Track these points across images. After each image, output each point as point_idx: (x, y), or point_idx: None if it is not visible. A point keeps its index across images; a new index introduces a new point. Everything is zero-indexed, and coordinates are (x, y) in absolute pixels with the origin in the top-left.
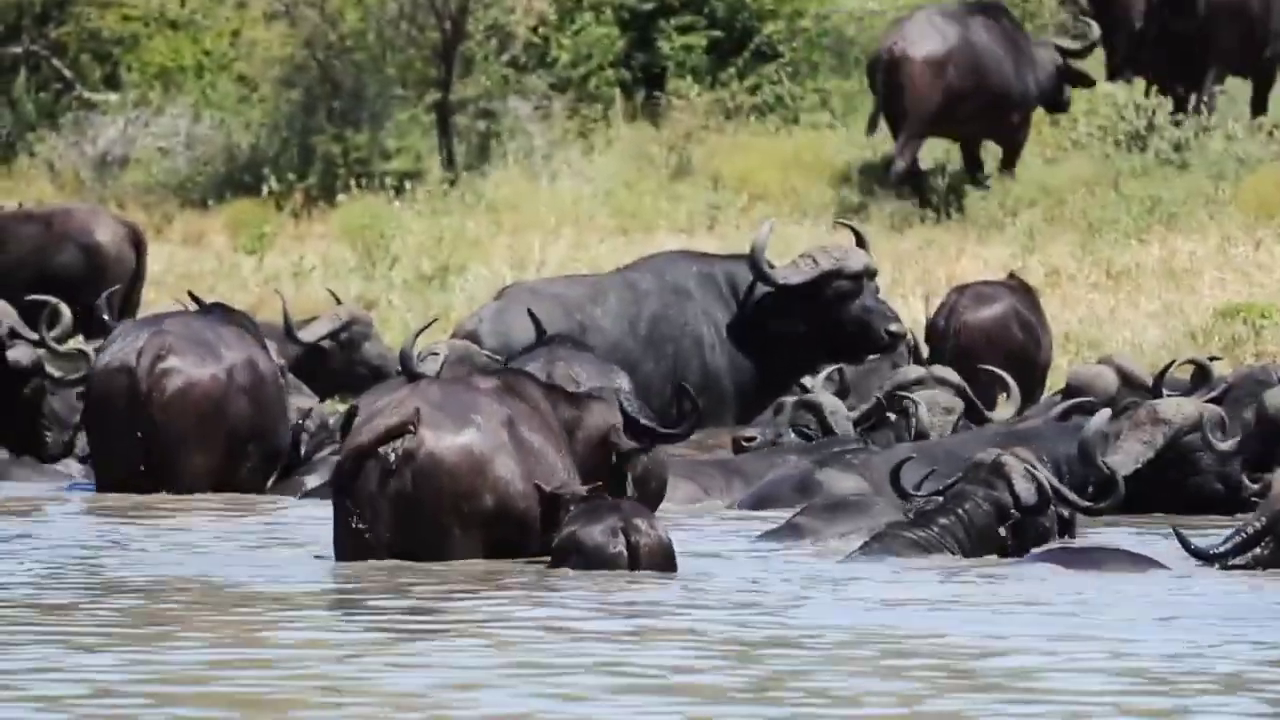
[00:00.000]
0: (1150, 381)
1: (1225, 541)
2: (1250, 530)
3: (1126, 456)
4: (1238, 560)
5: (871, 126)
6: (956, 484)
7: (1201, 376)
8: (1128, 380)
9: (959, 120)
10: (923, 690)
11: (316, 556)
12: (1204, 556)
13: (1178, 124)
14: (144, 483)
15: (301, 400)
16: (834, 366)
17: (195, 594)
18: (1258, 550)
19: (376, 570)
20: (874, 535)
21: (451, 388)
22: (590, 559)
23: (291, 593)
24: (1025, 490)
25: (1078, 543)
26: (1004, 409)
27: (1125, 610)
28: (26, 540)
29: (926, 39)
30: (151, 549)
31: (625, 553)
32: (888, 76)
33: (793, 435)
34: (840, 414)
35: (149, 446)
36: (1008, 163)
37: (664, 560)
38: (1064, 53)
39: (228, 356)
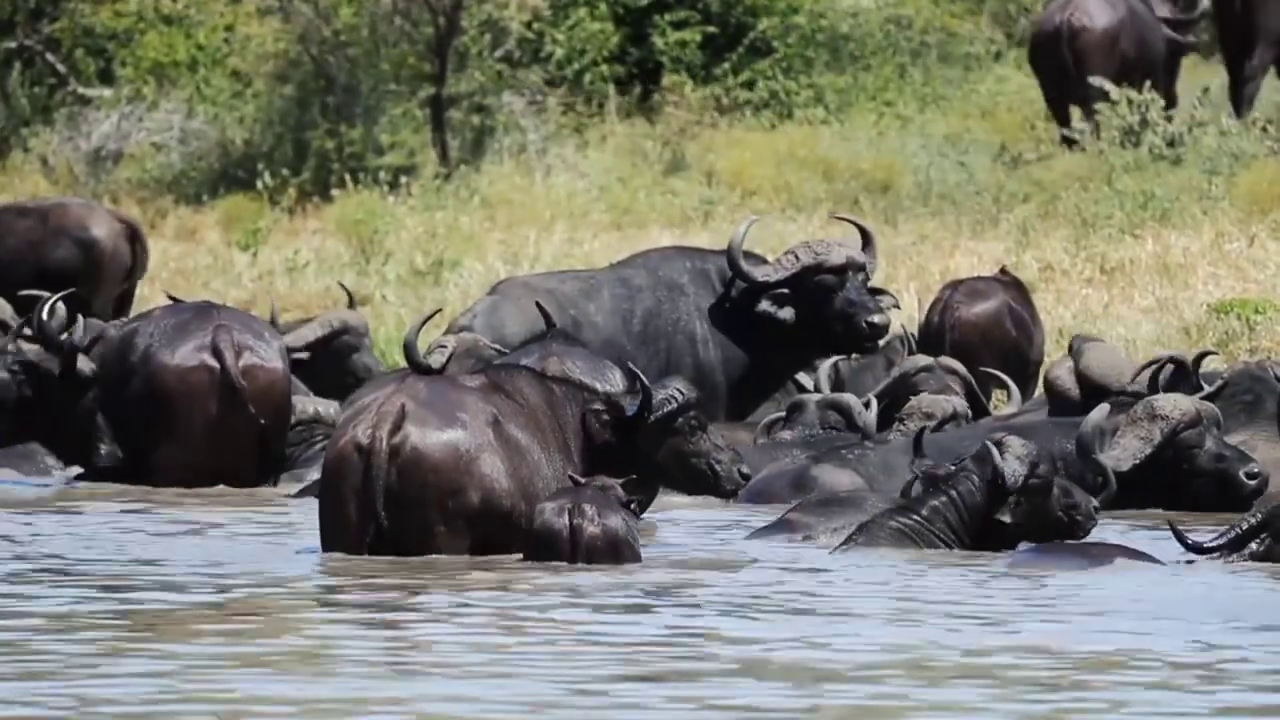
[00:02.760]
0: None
1: (1220, 536)
2: (1246, 525)
3: (1124, 453)
4: (1233, 556)
5: (1054, 100)
6: (962, 462)
7: (1181, 374)
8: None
9: (1121, 86)
10: (919, 689)
11: (302, 551)
12: (1200, 551)
13: (1171, 119)
14: (217, 480)
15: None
16: (831, 361)
17: (190, 587)
18: (1253, 545)
19: (362, 565)
20: (858, 527)
21: (438, 385)
22: (537, 538)
23: (281, 585)
24: (1011, 470)
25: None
26: (1005, 409)
27: (1119, 605)
28: (22, 535)
29: (1102, 11)
30: (149, 542)
31: (567, 536)
32: (1070, 47)
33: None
34: (866, 413)
35: (237, 443)
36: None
37: (608, 550)
38: (1170, 24)
39: (277, 348)
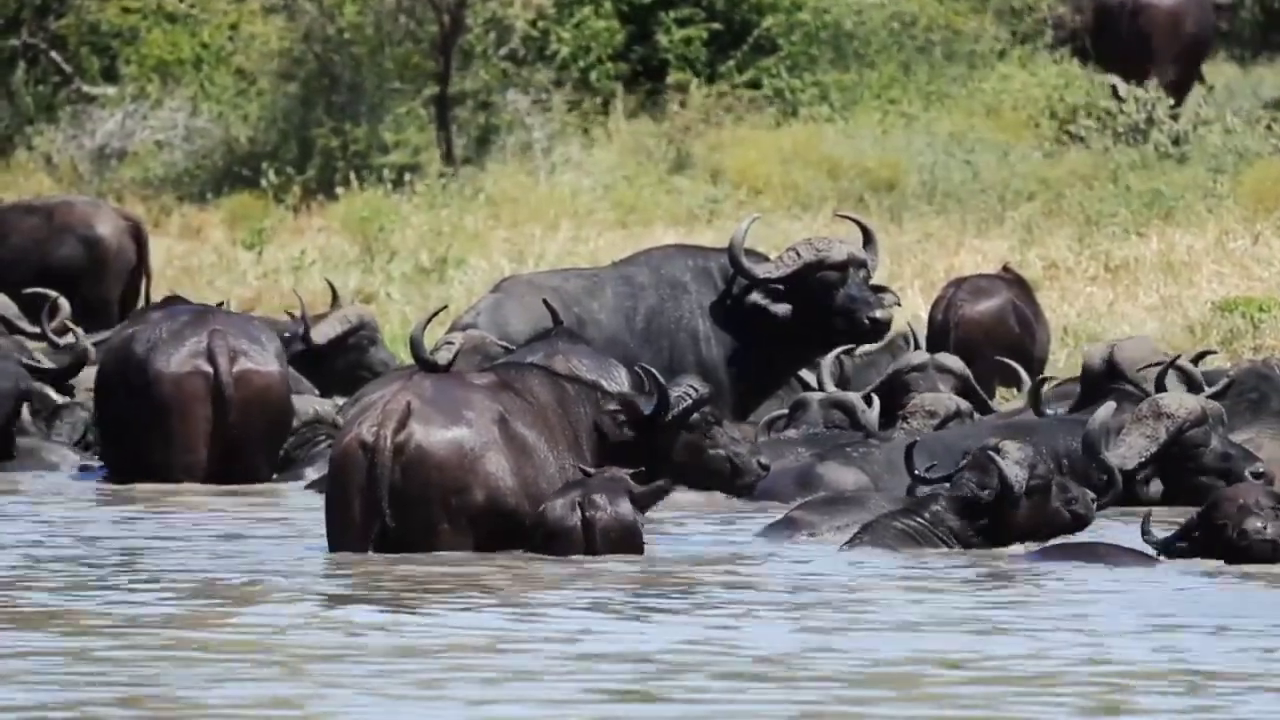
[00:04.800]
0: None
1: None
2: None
3: (1130, 451)
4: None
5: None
6: (958, 471)
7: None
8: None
9: (1180, 63)
10: (919, 689)
11: (308, 549)
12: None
13: (1176, 117)
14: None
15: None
16: (833, 358)
17: (195, 585)
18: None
19: (368, 561)
20: (863, 526)
21: (444, 383)
22: (550, 533)
23: (286, 584)
24: (1016, 476)
25: (1075, 536)
26: (1013, 404)
27: (1118, 604)
28: (32, 532)
29: None
30: (154, 540)
31: (580, 528)
32: (1132, 24)
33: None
34: (868, 411)
35: (227, 445)
36: (1178, 103)
37: (622, 537)
38: (1216, 7)
39: (273, 350)
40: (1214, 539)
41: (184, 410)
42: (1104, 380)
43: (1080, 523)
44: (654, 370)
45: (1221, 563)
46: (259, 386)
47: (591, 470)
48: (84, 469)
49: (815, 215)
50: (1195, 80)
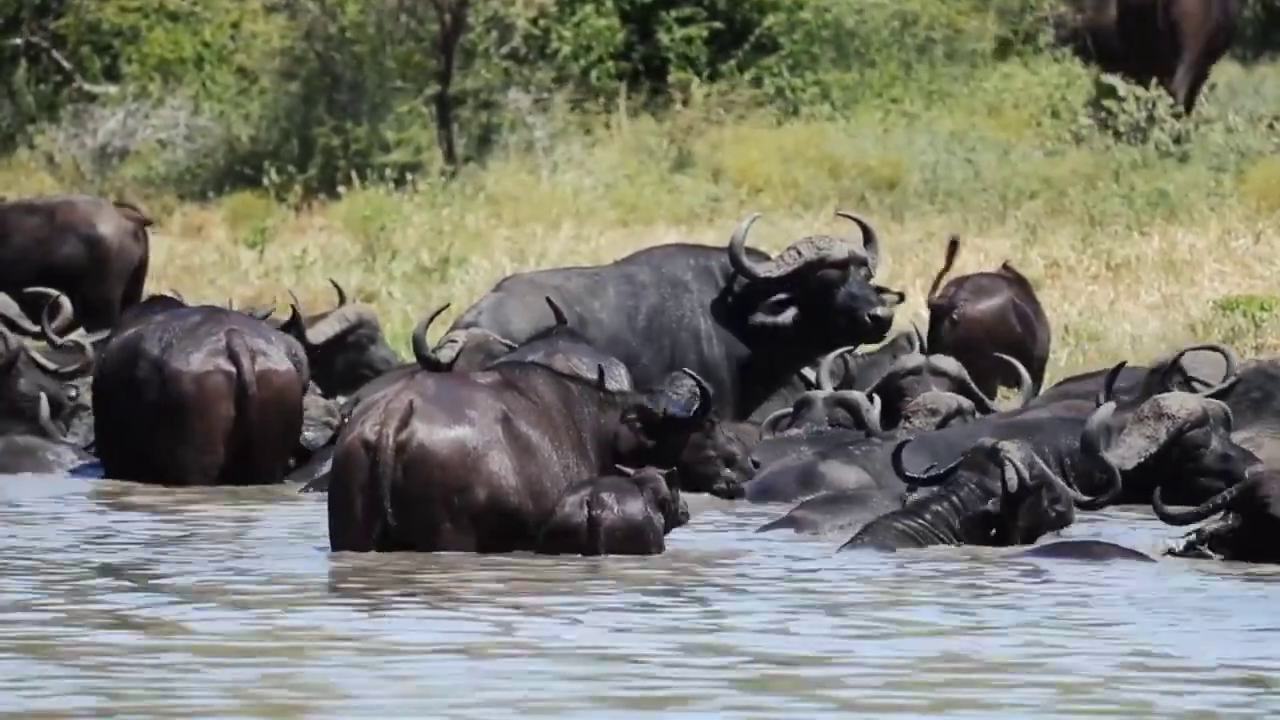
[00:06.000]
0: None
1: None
2: (1218, 501)
3: (1129, 451)
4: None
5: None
6: (954, 470)
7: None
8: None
9: (1208, 54)
10: (913, 684)
11: (313, 548)
12: (1173, 522)
13: (1178, 116)
14: (222, 479)
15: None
16: (833, 357)
17: (194, 585)
18: (1218, 526)
19: (370, 561)
20: (864, 527)
21: (447, 382)
22: (554, 531)
23: (289, 582)
24: (1022, 476)
25: (1075, 536)
26: (1013, 402)
27: (1114, 603)
28: (30, 532)
29: None
30: (154, 540)
31: (585, 526)
32: (1165, 14)
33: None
34: (872, 410)
35: (241, 445)
36: (1190, 105)
37: (628, 537)
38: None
39: (284, 350)
40: (1257, 521)
41: (205, 409)
42: (1167, 376)
43: (1063, 521)
44: (696, 376)
45: (1220, 559)
46: (278, 386)
47: (631, 471)
48: (83, 469)
49: (816, 214)
50: (1206, 76)
